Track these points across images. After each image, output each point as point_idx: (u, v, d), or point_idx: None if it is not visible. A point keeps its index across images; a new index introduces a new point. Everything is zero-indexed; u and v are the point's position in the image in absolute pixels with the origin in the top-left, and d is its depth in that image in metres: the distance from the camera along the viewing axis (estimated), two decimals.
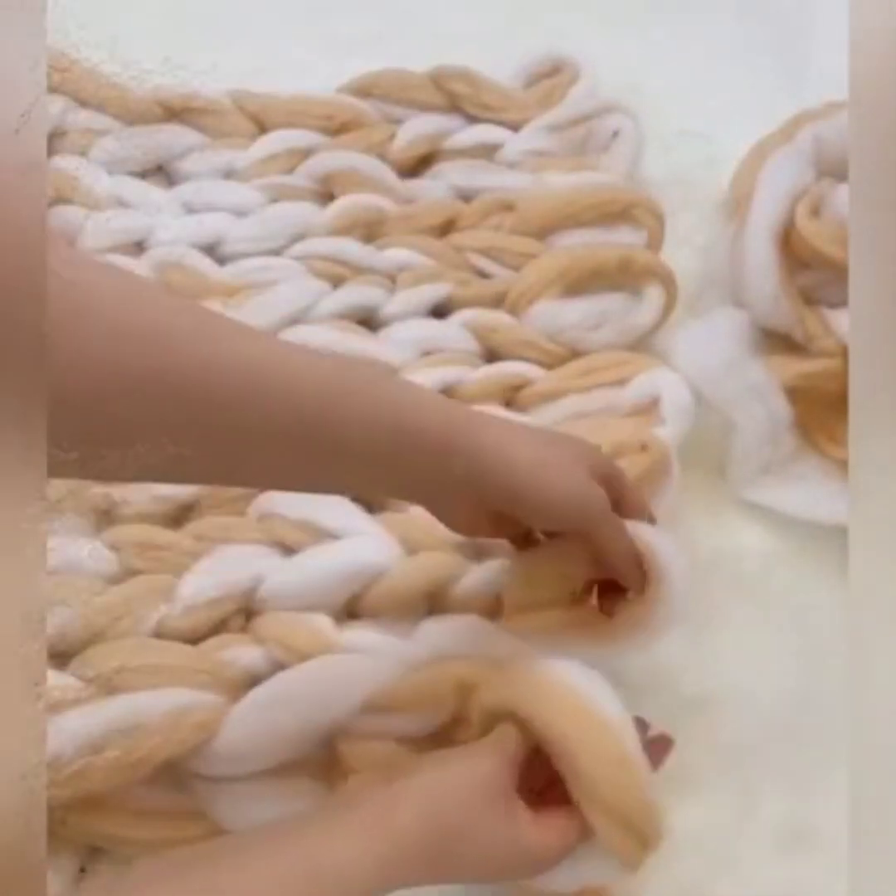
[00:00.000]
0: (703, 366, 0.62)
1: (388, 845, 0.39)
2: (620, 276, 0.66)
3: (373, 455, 0.42)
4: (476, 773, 0.41)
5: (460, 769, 0.41)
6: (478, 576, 0.54)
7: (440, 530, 0.53)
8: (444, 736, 0.50)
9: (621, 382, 0.62)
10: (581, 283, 0.65)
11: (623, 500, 0.49)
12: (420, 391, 0.46)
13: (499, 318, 0.66)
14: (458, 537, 0.54)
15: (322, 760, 0.49)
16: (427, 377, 0.62)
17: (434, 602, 0.54)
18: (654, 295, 0.65)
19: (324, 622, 0.52)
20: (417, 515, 0.57)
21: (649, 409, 0.61)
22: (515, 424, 0.48)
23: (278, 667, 0.50)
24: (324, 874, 0.38)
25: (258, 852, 0.38)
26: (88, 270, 0.36)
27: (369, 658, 0.50)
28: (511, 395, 0.63)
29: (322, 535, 0.55)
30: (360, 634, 0.52)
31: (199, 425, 0.38)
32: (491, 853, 0.40)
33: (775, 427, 0.62)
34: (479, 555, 0.55)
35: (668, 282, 0.66)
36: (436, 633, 0.52)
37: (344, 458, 0.42)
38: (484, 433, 0.44)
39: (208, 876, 0.37)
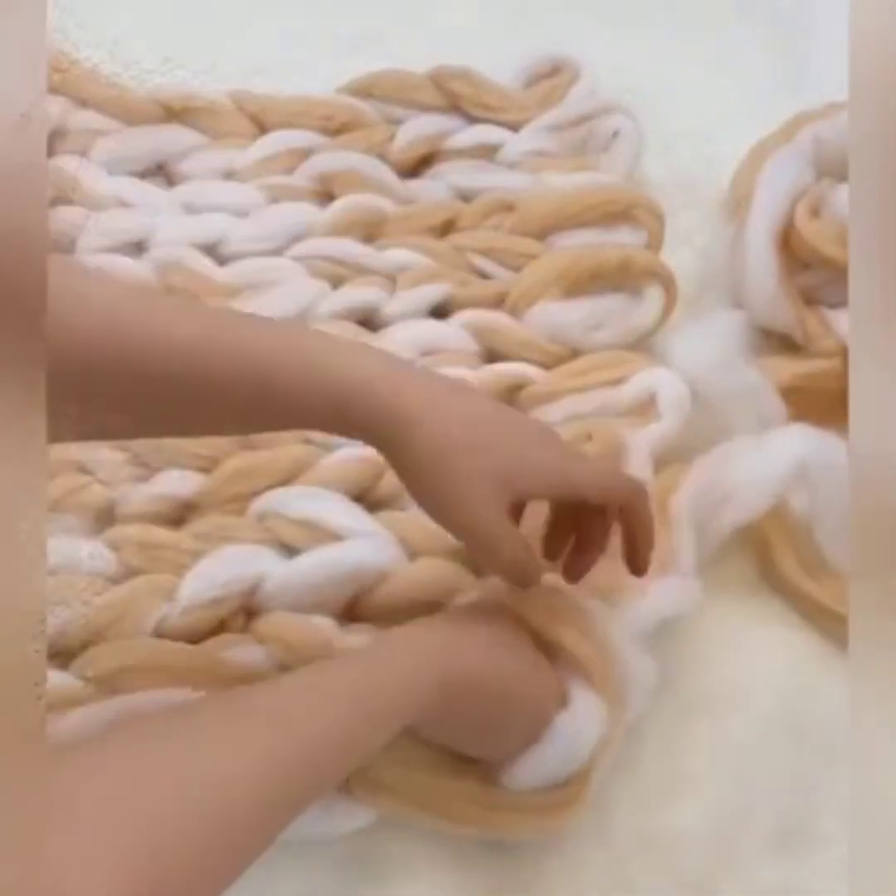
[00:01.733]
0: (698, 365, 0.62)
1: (425, 675, 0.42)
2: (620, 277, 0.66)
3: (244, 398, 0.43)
4: (496, 613, 0.47)
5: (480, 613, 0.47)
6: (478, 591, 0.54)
7: (441, 533, 0.53)
8: None
9: (618, 382, 0.62)
10: (581, 283, 0.65)
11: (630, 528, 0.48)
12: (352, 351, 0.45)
13: (499, 318, 0.66)
14: (458, 546, 0.54)
15: None
16: None
17: (433, 610, 0.54)
18: (654, 295, 0.66)
19: (325, 623, 0.52)
20: (418, 516, 0.57)
21: (646, 408, 0.61)
22: (462, 390, 0.46)
23: (279, 667, 0.50)
24: (367, 696, 0.40)
25: (298, 680, 0.41)
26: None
27: None
28: (511, 396, 0.63)
29: (323, 535, 0.55)
30: (360, 637, 0.52)
31: (144, 396, 0.42)
32: (520, 679, 0.45)
33: (768, 428, 0.62)
34: (477, 565, 0.55)
35: (668, 282, 0.66)
36: None
37: (271, 415, 0.44)
38: (381, 395, 0.43)
39: (247, 698, 0.39)
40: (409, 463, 0.43)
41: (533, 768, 0.47)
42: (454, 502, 0.43)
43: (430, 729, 0.45)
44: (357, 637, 0.52)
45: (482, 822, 0.48)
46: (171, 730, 0.36)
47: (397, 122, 0.76)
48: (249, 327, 0.44)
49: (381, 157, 0.74)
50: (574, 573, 0.49)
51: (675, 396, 0.60)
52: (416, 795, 0.48)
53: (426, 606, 0.54)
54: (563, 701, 0.47)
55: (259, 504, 0.57)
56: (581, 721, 0.47)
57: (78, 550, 0.54)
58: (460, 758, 0.48)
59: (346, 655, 0.44)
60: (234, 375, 0.42)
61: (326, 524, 0.55)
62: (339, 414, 0.43)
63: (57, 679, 0.48)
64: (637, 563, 0.48)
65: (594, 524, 0.48)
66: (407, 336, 0.65)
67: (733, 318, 0.66)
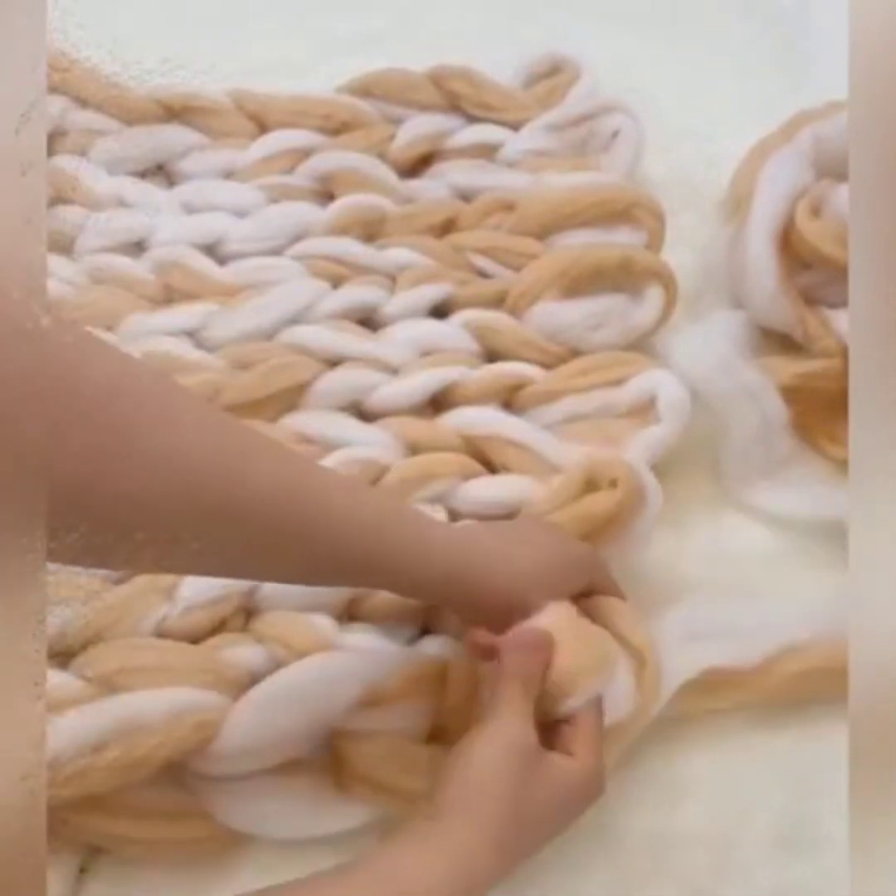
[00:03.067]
0: (698, 365, 0.62)
1: (460, 855, 0.39)
2: (621, 277, 0.66)
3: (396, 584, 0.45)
4: (508, 743, 0.42)
5: (492, 749, 0.42)
6: None
7: None
8: (440, 729, 0.50)
9: (619, 382, 0.62)
10: (581, 283, 0.65)
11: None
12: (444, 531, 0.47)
13: (499, 318, 0.66)
14: None
15: (323, 759, 0.49)
16: (427, 377, 0.62)
17: (433, 611, 0.54)
18: (654, 295, 0.65)
19: (324, 622, 0.52)
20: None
21: (646, 409, 0.61)
22: (497, 532, 0.50)
23: (279, 666, 0.50)
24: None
25: (339, 883, 0.38)
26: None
27: (364, 655, 0.50)
28: (510, 396, 0.63)
29: None
30: (360, 637, 0.52)
31: (221, 537, 0.38)
32: (554, 802, 0.42)
33: (768, 428, 0.62)
34: None
35: (668, 282, 0.66)
36: (434, 647, 0.52)
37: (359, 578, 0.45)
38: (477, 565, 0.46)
39: None
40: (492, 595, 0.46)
41: None
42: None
43: None
44: (356, 636, 0.52)
45: None
46: None
47: (397, 121, 0.76)
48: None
49: (381, 156, 0.74)
50: None
51: (675, 399, 0.60)
52: (414, 795, 0.48)
53: (426, 607, 0.54)
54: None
55: None
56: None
57: None
58: None
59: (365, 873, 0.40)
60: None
61: None
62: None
63: (57, 679, 0.48)
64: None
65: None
66: (407, 336, 0.65)
67: (733, 318, 0.66)
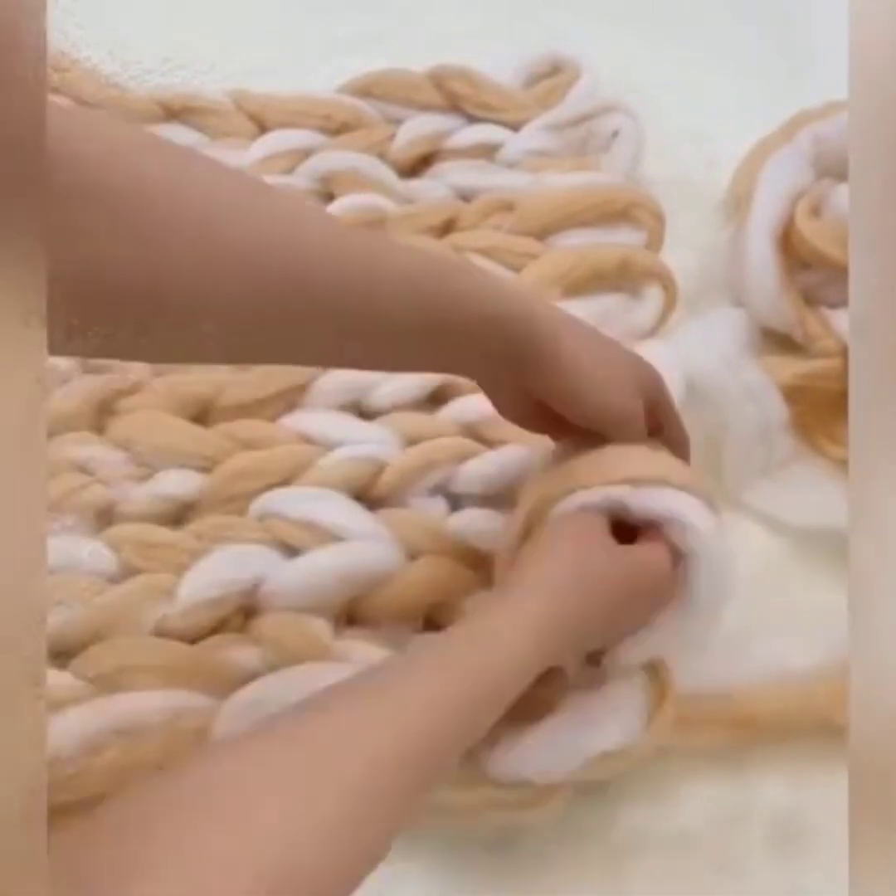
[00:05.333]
0: (698, 365, 0.62)
1: (536, 624, 0.42)
2: (620, 278, 0.66)
3: (416, 324, 0.42)
4: (581, 532, 0.46)
5: (560, 535, 0.46)
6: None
7: (441, 532, 0.53)
8: None
9: None
10: (581, 283, 0.65)
11: (666, 425, 0.51)
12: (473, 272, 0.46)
13: None
14: (458, 543, 0.54)
15: None
16: (425, 376, 0.62)
17: (433, 612, 0.54)
18: (653, 296, 0.66)
19: (321, 627, 0.52)
20: (418, 515, 0.57)
21: None
22: (574, 319, 0.49)
23: (275, 668, 0.50)
24: (493, 663, 0.40)
25: (420, 660, 0.40)
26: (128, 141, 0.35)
27: (355, 667, 0.50)
28: None
29: (324, 535, 0.55)
30: (355, 644, 0.52)
31: (242, 302, 0.37)
32: (621, 581, 0.45)
33: (768, 428, 0.61)
34: (476, 564, 0.55)
35: (667, 283, 0.66)
36: None
37: (386, 332, 0.42)
38: (541, 319, 0.46)
39: (375, 683, 0.38)
40: (554, 370, 0.46)
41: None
42: (597, 388, 0.47)
43: None
44: (354, 640, 0.52)
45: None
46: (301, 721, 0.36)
47: (397, 121, 0.76)
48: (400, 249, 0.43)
49: (381, 156, 0.74)
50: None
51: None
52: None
53: (426, 608, 0.54)
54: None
55: (259, 504, 0.57)
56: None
57: (78, 550, 0.54)
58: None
59: (444, 660, 0.41)
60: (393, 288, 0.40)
61: (327, 525, 0.55)
62: (501, 330, 0.44)
63: (57, 679, 0.48)
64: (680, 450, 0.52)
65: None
66: None
67: (732, 317, 0.66)
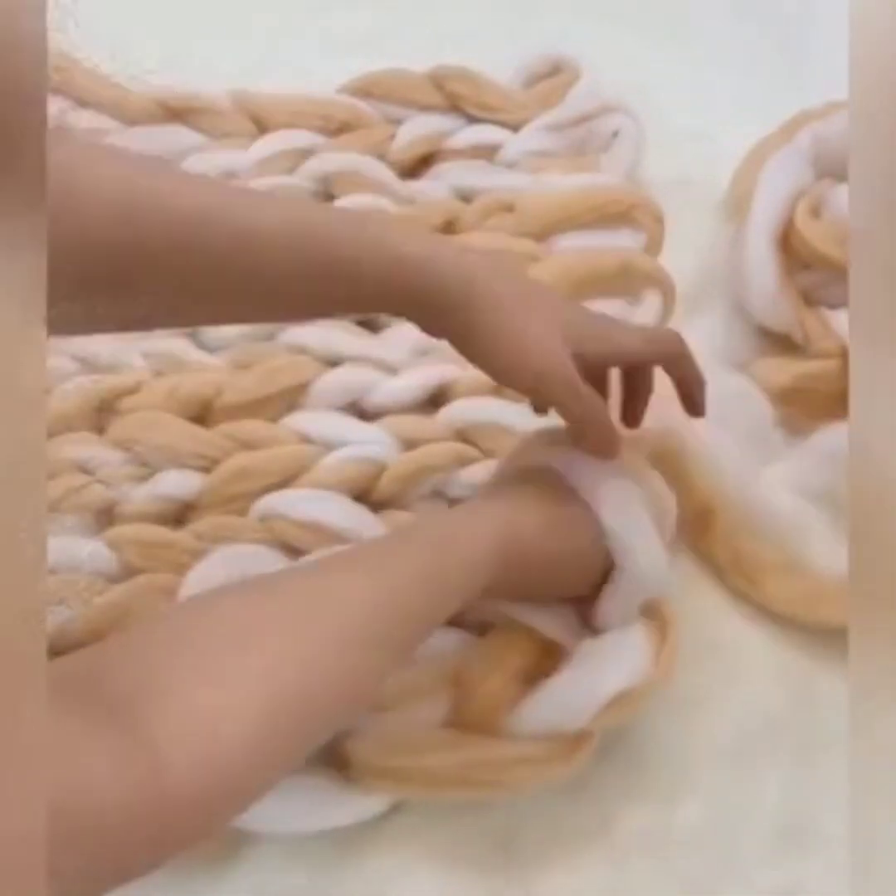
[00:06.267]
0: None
1: (504, 524, 0.47)
2: (619, 282, 0.66)
3: (361, 275, 0.45)
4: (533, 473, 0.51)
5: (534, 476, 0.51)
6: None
7: None
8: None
9: None
10: (580, 288, 0.65)
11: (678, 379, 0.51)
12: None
13: None
14: None
15: (329, 756, 0.49)
16: (424, 376, 0.62)
17: None
18: (652, 300, 0.65)
19: None
20: (417, 515, 0.57)
21: None
22: (501, 265, 0.48)
23: None
24: (456, 545, 0.45)
25: (368, 558, 0.45)
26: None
27: None
28: (500, 391, 0.63)
29: (326, 537, 0.55)
30: None
31: (197, 271, 0.41)
32: (571, 542, 0.49)
33: (759, 430, 0.62)
34: None
35: (666, 287, 0.66)
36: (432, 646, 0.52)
37: (336, 280, 0.44)
38: (444, 261, 0.45)
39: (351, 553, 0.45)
40: (473, 324, 0.46)
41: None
42: (525, 350, 0.46)
43: (484, 592, 0.47)
44: None
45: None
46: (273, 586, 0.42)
47: (397, 122, 0.76)
48: (311, 207, 0.48)
49: (381, 157, 0.74)
50: (633, 418, 0.54)
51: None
52: (432, 776, 0.48)
53: None
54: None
55: (261, 505, 0.57)
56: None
57: (78, 550, 0.54)
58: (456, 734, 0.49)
59: (411, 535, 0.48)
60: (294, 245, 0.43)
61: (329, 526, 0.55)
62: (403, 278, 0.45)
63: None
64: (695, 406, 0.52)
65: (639, 377, 0.52)
66: (405, 336, 0.65)
67: (728, 317, 0.66)
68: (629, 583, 0.50)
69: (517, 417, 0.60)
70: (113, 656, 0.37)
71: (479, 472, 0.59)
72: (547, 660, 0.50)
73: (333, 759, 0.49)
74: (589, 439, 0.48)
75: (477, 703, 0.49)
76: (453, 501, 0.59)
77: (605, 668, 0.49)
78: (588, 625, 0.52)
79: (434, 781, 0.48)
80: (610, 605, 0.50)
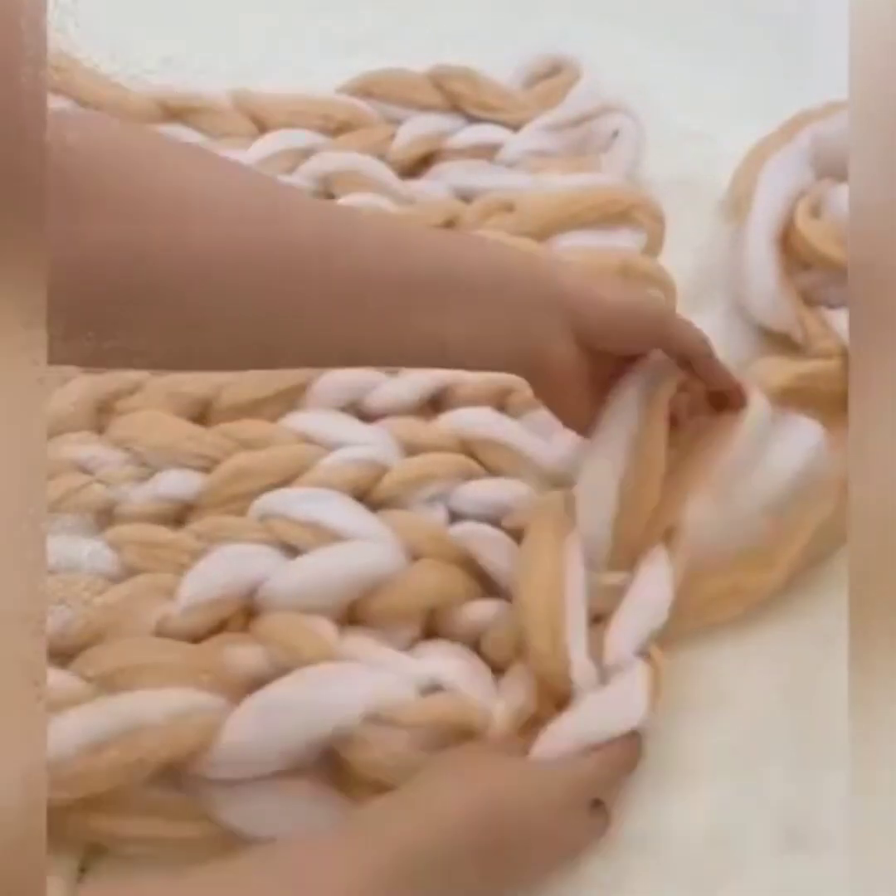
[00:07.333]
0: None
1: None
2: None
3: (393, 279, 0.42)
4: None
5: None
6: (480, 607, 0.54)
7: (442, 535, 0.53)
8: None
9: None
10: None
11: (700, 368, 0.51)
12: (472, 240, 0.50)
13: None
14: (458, 546, 0.55)
15: (326, 765, 0.49)
16: (422, 378, 0.62)
17: (433, 614, 0.54)
18: None
19: (325, 627, 0.52)
20: (418, 516, 0.57)
21: None
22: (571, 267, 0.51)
23: (279, 668, 0.50)
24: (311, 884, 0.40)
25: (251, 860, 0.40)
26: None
27: (370, 670, 0.50)
28: (504, 399, 0.62)
29: (326, 536, 0.55)
30: (361, 642, 0.52)
31: (225, 272, 0.38)
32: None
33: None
34: (476, 571, 0.55)
35: (666, 288, 0.66)
36: (435, 653, 0.52)
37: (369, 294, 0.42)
38: (536, 264, 0.47)
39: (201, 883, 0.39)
40: (570, 304, 0.47)
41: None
42: (630, 301, 0.49)
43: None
44: (356, 640, 0.52)
45: None
46: None
47: (397, 121, 0.76)
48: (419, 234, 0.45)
49: (381, 156, 0.74)
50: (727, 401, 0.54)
51: None
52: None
53: (426, 610, 0.54)
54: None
55: (261, 505, 0.57)
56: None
57: (78, 550, 0.54)
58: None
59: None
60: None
61: (330, 526, 0.55)
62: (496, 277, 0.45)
63: (57, 679, 0.48)
64: (736, 398, 0.53)
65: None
66: None
67: (731, 319, 0.66)
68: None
69: (517, 433, 0.60)
70: None
71: (481, 488, 0.58)
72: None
73: (331, 767, 0.49)
74: (716, 373, 0.51)
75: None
76: (453, 513, 0.58)
77: (613, 709, 0.49)
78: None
79: None
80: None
